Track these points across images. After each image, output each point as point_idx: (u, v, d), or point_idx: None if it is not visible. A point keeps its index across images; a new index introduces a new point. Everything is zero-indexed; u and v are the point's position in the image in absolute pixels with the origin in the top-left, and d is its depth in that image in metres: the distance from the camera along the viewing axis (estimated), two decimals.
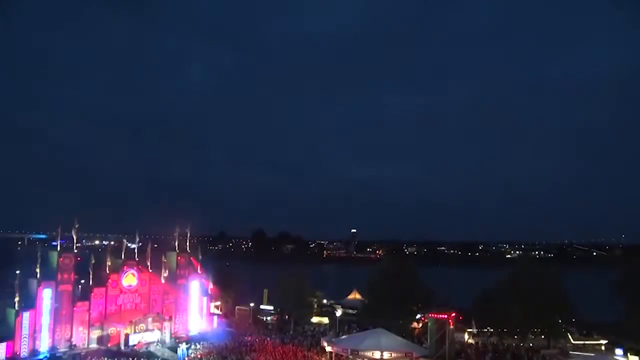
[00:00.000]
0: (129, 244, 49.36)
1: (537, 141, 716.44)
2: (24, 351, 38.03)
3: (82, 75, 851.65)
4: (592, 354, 41.48)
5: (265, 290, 66.01)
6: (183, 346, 41.55)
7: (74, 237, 43.00)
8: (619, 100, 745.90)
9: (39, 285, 39.57)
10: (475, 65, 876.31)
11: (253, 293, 65.43)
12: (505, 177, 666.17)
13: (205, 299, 52.82)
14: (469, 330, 51.45)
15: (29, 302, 39.01)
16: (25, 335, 38.22)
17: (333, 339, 41.54)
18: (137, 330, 42.88)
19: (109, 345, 42.83)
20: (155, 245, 51.72)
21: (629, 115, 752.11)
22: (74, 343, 41.40)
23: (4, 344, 37.08)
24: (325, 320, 60.42)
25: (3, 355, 36.78)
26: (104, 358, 39.22)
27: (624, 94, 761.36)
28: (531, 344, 47.98)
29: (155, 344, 43.49)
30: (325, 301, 68.16)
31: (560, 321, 48.83)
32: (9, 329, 37.82)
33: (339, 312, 57.98)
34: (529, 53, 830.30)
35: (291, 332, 52.40)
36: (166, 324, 45.73)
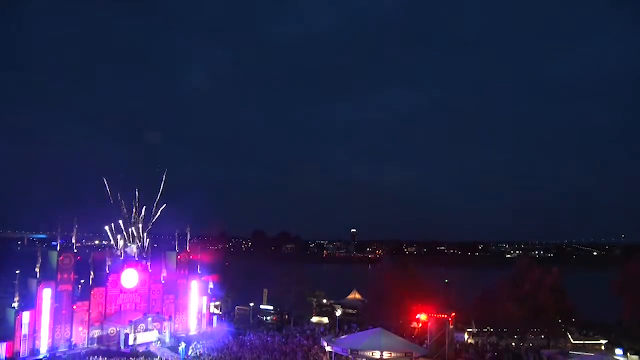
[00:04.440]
0: (128, 244, 49.33)
1: (537, 141, 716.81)
2: (24, 351, 38.02)
3: (82, 74, 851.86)
4: (592, 354, 41.44)
5: (265, 291, 66.00)
6: (183, 346, 41.55)
7: (74, 237, 42.98)
8: (619, 101, 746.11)
9: (39, 285, 39.54)
10: (475, 65, 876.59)
11: (253, 293, 65.42)
12: (505, 177, 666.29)
13: (205, 299, 52.78)
14: (469, 330, 51.43)
15: (29, 302, 38.98)
16: (25, 335, 38.19)
17: (333, 339, 41.54)
18: (137, 330, 42.85)
19: (109, 345, 42.82)
20: (155, 245, 51.70)
21: (630, 115, 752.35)
22: (74, 343, 41.39)
23: (4, 344, 37.05)
24: (325, 320, 60.43)
25: (3, 355, 36.74)
26: (104, 358, 39.21)
27: (624, 94, 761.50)
28: (531, 344, 48.00)
29: (155, 344, 43.48)
30: (325, 301, 68.15)
31: (560, 321, 48.84)
32: (9, 329, 37.79)
33: (339, 312, 57.96)
34: (529, 53, 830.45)
35: (291, 332, 52.34)
36: (166, 324, 45.72)
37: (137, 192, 50.51)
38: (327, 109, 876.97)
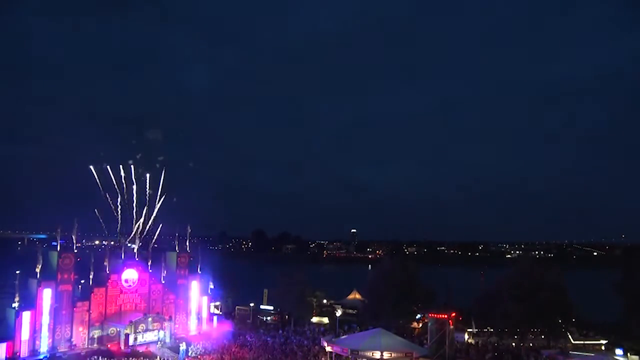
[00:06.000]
0: (128, 244, 49.31)
1: (537, 141, 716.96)
2: (24, 351, 37.99)
3: (81, 74, 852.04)
4: (592, 354, 41.48)
5: (265, 291, 66.00)
6: (183, 346, 41.54)
7: (74, 237, 42.93)
8: (619, 101, 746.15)
9: (39, 285, 39.53)
10: (475, 65, 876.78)
11: (253, 293, 65.42)
12: (505, 178, 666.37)
13: (205, 299, 52.76)
14: (469, 330, 51.47)
15: (29, 302, 38.96)
16: (25, 335, 38.18)
17: (333, 339, 41.55)
18: (137, 330, 42.83)
19: (109, 345, 42.81)
20: (156, 245, 51.66)
21: (630, 115, 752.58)
22: (74, 343, 41.38)
23: (4, 344, 37.03)
24: (325, 320, 60.40)
25: (3, 355, 36.72)
26: (104, 358, 39.21)
27: (624, 94, 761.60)
28: (531, 344, 48.01)
29: (156, 344, 43.46)
30: (325, 301, 68.19)
31: (560, 321, 48.86)
32: (9, 329, 37.78)
33: (339, 312, 58.00)
34: (529, 53, 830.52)
35: (291, 332, 52.35)
36: (166, 324, 45.68)
37: (134, 192, 50.43)
38: (328, 108, 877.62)
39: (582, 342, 48.34)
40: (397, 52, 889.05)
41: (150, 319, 44.38)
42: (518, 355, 43.40)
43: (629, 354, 41.21)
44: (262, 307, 64.18)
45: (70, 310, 41.63)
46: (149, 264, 48.81)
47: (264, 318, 61.51)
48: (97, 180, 49.01)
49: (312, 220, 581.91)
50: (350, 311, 64.31)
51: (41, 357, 38.40)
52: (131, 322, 42.84)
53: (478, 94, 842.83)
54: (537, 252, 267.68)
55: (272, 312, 63.18)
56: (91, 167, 49.00)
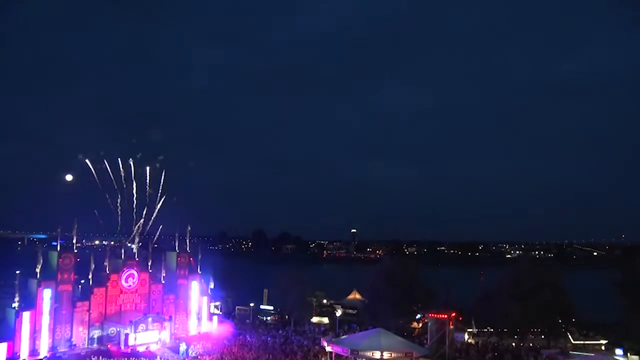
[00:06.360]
0: (128, 244, 49.33)
1: (538, 141, 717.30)
2: (24, 351, 38.00)
3: (82, 74, 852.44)
4: (592, 354, 41.51)
5: (265, 291, 66.05)
6: (183, 346, 41.52)
7: (74, 237, 42.94)
8: (620, 101, 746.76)
9: (39, 285, 39.50)
10: (476, 65, 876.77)
11: (253, 293, 65.44)
12: (505, 178, 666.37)
13: (205, 299, 52.77)
14: (469, 330, 51.53)
15: (29, 302, 38.95)
16: (25, 336, 38.17)
17: (333, 339, 41.58)
18: (137, 330, 42.84)
19: (109, 345, 42.83)
20: (155, 245, 51.66)
21: (630, 115, 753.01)
22: (74, 343, 41.39)
23: (4, 344, 37.00)
24: (325, 320, 60.44)
25: (3, 356, 36.73)
26: (104, 358, 39.19)
27: (625, 94, 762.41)
28: (531, 344, 48.07)
29: (155, 344, 43.47)
30: (325, 301, 68.27)
31: (560, 321, 48.94)
32: (9, 329, 37.78)
33: (339, 312, 58.06)
34: (531, 53, 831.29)
35: (291, 332, 52.35)
36: (166, 324, 45.67)
37: (134, 191, 50.43)
38: (327, 108, 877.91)
39: (582, 342, 48.42)
40: (397, 52, 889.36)
41: (150, 319, 44.35)
42: (518, 355, 43.45)
43: (629, 354, 41.25)
44: (262, 307, 64.21)
45: (70, 311, 41.63)
46: (149, 264, 48.80)
47: (264, 318, 61.54)
48: (96, 178, 49.02)
49: (312, 220, 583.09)
50: (350, 311, 64.39)
51: (41, 357, 38.42)
52: (131, 322, 42.82)
53: (478, 94, 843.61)
54: (537, 252, 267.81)
55: (272, 312, 63.21)
56: (87, 160, 48.88)
